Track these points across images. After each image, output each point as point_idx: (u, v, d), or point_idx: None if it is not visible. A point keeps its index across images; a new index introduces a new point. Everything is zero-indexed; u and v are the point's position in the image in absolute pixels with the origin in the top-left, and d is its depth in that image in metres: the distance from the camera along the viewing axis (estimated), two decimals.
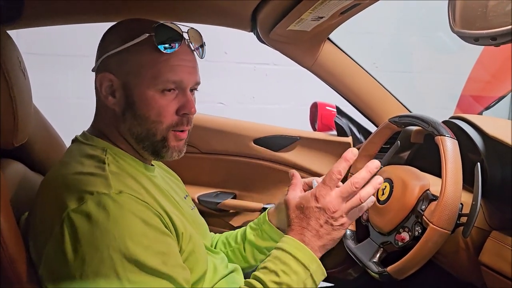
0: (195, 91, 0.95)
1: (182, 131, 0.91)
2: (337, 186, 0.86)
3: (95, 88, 0.92)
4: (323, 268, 0.86)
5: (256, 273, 0.84)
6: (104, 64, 0.89)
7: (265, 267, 0.84)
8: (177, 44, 0.87)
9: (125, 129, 0.90)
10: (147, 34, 0.86)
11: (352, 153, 0.86)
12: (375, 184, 0.86)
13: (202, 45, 0.95)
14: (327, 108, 1.89)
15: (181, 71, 0.88)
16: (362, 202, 0.85)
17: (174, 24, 0.90)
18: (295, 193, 0.91)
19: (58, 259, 0.75)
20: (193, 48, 0.92)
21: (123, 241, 0.73)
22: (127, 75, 0.87)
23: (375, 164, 0.86)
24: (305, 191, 0.96)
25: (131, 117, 0.88)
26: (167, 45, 0.86)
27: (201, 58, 0.95)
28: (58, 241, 0.75)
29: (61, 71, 2.59)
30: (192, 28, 0.93)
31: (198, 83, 0.93)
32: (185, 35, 0.90)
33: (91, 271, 0.72)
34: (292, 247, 0.84)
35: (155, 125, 0.88)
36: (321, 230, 0.84)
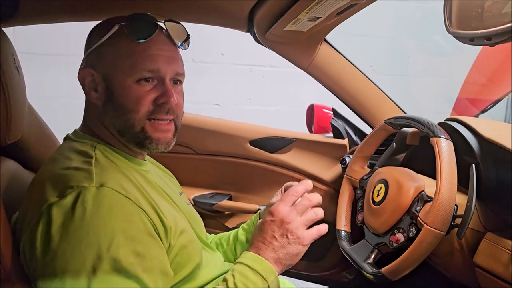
0: (181, 84, 0.95)
1: (161, 120, 0.90)
2: None
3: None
4: (279, 283, 0.88)
5: (216, 287, 0.85)
6: (86, 61, 0.91)
7: (224, 280, 0.85)
8: (151, 33, 0.87)
9: (108, 122, 0.89)
10: (118, 26, 0.87)
11: (308, 184, 0.94)
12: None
13: (186, 37, 0.95)
14: (324, 110, 1.89)
15: (158, 60, 0.87)
16: (318, 218, 0.90)
17: (150, 14, 0.90)
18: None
19: (31, 250, 0.75)
20: (175, 40, 0.92)
21: (96, 238, 0.72)
22: (106, 67, 0.88)
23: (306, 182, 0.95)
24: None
25: (111, 109, 0.88)
26: (140, 35, 0.86)
27: (184, 49, 0.94)
28: (33, 233, 0.75)
29: (56, 71, 2.59)
30: (171, 19, 0.93)
31: (179, 74, 0.92)
32: (163, 26, 0.91)
33: (60, 266, 0.71)
34: (250, 260, 0.86)
35: (132, 115, 0.87)
36: (276, 243, 0.87)
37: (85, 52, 0.92)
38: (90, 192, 0.75)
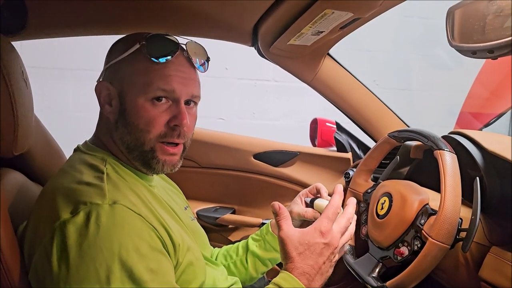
0: (195, 106, 0.94)
1: (172, 144, 0.90)
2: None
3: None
4: None
5: None
6: (105, 74, 0.92)
7: None
8: (170, 54, 0.87)
9: (117, 138, 0.90)
10: (139, 44, 0.87)
11: (341, 187, 0.92)
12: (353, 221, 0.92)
13: (206, 60, 0.95)
14: (327, 124, 1.90)
15: (174, 81, 0.87)
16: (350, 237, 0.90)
17: (172, 36, 0.91)
18: (290, 227, 0.86)
19: (45, 269, 0.75)
20: (194, 62, 0.92)
21: (110, 255, 0.72)
22: (121, 83, 0.88)
23: (353, 201, 0.93)
24: (313, 195, 1.07)
25: (122, 125, 0.88)
26: (159, 55, 0.86)
27: (203, 72, 0.95)
28: (46, 251, 0.75)
29: (62, 85, 2.61)
30: (192, 41, 0.93)
31: (195, 96, 0.92)
32: (184, 48, 0.91)
33: (75, 283, 0.71)
34: (289, 286, 0.81)
35: (143, 134, 0.87)
36: (323, 267, 0.84)
37: (105, 65, 0.93)
38: (104, 210, 0.76)
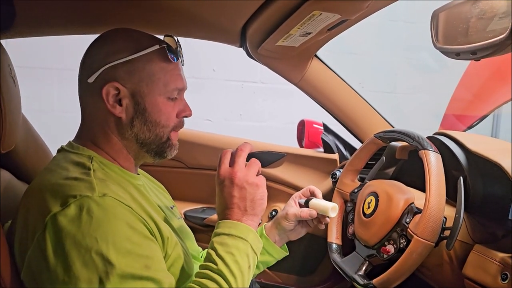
0: None
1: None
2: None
3: (83, 98, 0.93)
4: (259, 237, 0.89)
5: (202, 264, 0.85)
6: (108, 74, 0.88)
7: (208, 255, 0.85)
8: (180, 54, 0.93)
9: (131, 135, 0.91)
10: (158, 46, 0.90)
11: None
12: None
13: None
14: (314, 125, 1.91)
15: (182, 79, 0.95)
16: (257, 163, 0.92)
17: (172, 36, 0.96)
18: None
19: (40, 264, 0.75)
20: (182, 57, 0.97)
21: (105, 244, 0.74)
22: (138, 83, 0.89)
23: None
24: (306, 197, 1.10)
25: (141, 123, 0.91)
26: (174, 56, 0.92)
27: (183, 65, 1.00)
28: (40, 245, 0.75)
29: (47, 84, 2.59)
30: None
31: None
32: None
33: (73, 274, 0.72)
34: (225, 228, 0.86)
35: (163, 129, 0.93)
36: (236, 201, 0.87)
37: (98, 63, 0.88)
38: (95, 201, 0.77)
